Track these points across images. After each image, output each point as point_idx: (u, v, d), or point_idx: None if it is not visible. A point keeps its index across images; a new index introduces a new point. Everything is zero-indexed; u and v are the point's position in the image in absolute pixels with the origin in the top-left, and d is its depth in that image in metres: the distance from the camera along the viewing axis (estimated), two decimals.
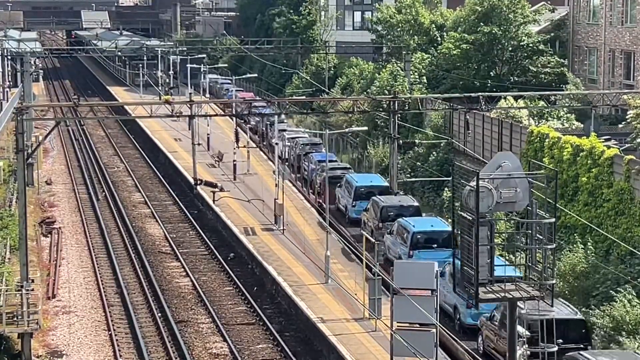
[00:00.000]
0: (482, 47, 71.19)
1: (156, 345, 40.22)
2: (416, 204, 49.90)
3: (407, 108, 57.46)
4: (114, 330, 41.68)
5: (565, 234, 42.70)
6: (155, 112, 48.18)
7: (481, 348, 35.38)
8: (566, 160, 45.39)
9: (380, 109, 56.54)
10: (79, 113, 52.49)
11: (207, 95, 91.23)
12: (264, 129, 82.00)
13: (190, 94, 72.70)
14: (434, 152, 61.77)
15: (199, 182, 62.83)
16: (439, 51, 76.29)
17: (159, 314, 43.42)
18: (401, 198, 50.67)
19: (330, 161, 60.47)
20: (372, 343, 36.69)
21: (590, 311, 35.21)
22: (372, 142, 68.05)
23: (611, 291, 35.70)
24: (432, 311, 29.57)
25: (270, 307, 44.10)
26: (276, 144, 60.18)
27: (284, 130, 73.80)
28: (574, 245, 39.94)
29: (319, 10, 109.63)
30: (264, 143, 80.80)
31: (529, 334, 26.56)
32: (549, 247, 22.76)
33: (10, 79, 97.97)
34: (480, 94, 52.85)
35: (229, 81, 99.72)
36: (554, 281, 23.09)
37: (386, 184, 54.04)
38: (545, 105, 58.59)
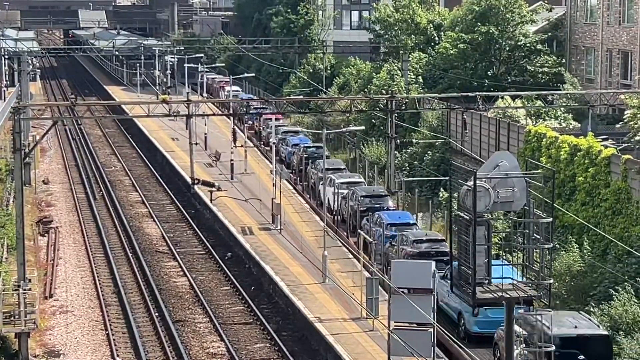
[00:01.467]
0: (479, 47, 71.23)
1: (153, 344, 40.16)
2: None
3: (404, 108, 57.50)
4: (111, 329, 41.61)
5: (562, 233, 42.68)
6: (153, 112, 48.21)
7: None
8: (563, 159, 45.38)
9: (378, 109, 56.59)
10: (76, 112, 52.65)
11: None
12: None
13: (187, 93, 72.63)
14: (428, 152, 61.73)
15: (196, 181, 62.75)
16: (436, 51, 76.32)
17: (156, 314, 43.35)
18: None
19: (408, 224, 44.72)
20: (369, 342, 36.66)
21: (590, 309, 35.20)
22: (367, 142, 67.93)
23: (610, 290, 35.69)
24: (429, 311, 29.52)
25: (267, 306, 44.05)
26: (274, 143, 60.08)
27: (329, 169, 54.85)
28: (569, 245, 39.92)
29: (316, 10, 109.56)
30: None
31: (526, 333, 26.53)
32: (546, 246, 22.77)
33: (7, 79, 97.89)
34: (477, 93, 52.96)
35: (251, 96, 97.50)
36: (551, 281, 23.09)
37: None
38: (543, 104, 58.67)
